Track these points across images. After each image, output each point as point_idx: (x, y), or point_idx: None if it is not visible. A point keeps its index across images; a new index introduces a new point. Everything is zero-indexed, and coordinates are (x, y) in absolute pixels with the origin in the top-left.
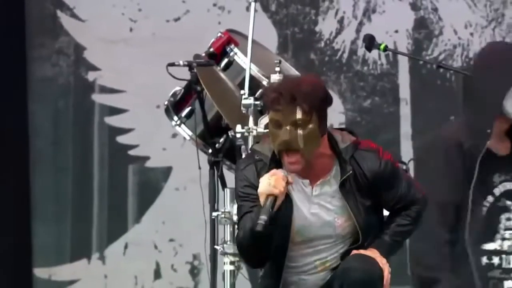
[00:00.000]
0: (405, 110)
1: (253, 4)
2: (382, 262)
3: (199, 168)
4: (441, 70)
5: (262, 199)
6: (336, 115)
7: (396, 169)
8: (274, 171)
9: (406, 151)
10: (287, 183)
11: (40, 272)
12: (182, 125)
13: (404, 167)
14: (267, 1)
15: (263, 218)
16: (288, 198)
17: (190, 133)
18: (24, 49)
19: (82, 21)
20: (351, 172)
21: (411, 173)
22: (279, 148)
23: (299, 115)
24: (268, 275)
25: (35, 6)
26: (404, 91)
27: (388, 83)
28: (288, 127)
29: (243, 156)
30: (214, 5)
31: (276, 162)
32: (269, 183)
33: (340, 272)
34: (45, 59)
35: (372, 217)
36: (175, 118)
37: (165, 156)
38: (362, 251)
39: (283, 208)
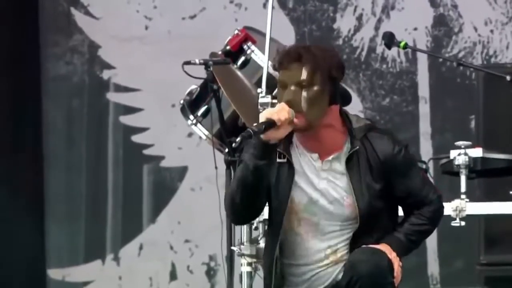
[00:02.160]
0: (425, 109)
1: (270, 1)
2: (392, 255)
3: (216, 167)
4: (461, 68)
5: (261, 121)
6: (354, 113)
7: (411, 158)
8: (281, 103)
9: (426, 150)
10: (291, 121)
11: (54, 273)
12: (198, 124)
13: (424, 166)
14: None
15: (252, 128)
16: (291, 167)
17: (207, 132)
18: (38, 47)
19: (97, 19)
20: (358, 147)
21: (431, 172)
22: None
23: (304, 75)
24: (268, 251)
25: (49, 3)
26: (424, 89)
27: (407, 81)
28: (292, 87)
29: None
30: (231, 2)
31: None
32: (273, 108)
33: (348, 266)
34: (59, 57)
35: (378, 203)
36: (191, 117)
37: (180, 156)
38: (372, 246)
39: (285, 175)
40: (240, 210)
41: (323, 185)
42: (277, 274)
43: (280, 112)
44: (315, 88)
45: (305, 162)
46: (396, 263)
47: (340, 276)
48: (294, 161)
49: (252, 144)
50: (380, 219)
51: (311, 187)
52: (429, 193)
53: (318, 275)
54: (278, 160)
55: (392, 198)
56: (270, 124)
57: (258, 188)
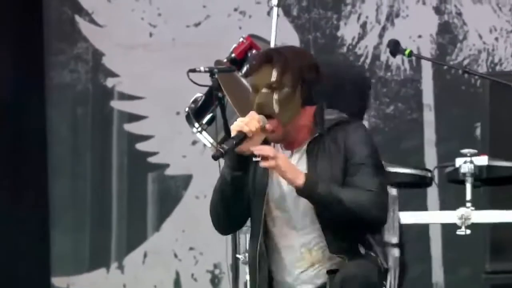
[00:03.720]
0: (429, 117)
1: (275, 9)
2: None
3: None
4: (466, 75)
5: (232, 135)
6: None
7: (368, 136)
8: (251, 112)
9: (430, 158)
10: (263, 129)
11: (58, 282)
12: (203, 132)
13: (429, 174)
14: (289, 6)
15: (224, 147)
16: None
17: (212, 140)
18: (42, 55)
19: (101, 27)
20: (316, 135)
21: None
22: (256, 112)
23: (274, 77)
24: (250, 249)
25: (53, 11)
26: (428, 97)
27: (412, 89)
28: (264, 90)
29: None
30: (235, 10)
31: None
32: (242, 120)
33: (338, 279)
34: (63, 65)
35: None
36: (196, 125)
37: (185, 164)
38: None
39: (260, 174)
40: (223, 220)
41: None
42: (262, 278)
43: (250, 123)
44: (286, 89)
45: None
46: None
47: (319, 282)
48: None
49: (228, 156)
50: None
51: (281, 182)
52: (372, 182)
53: (300, 279)
54: (254, 159)
55: None
56: (242, 137)
57: (238, 198)
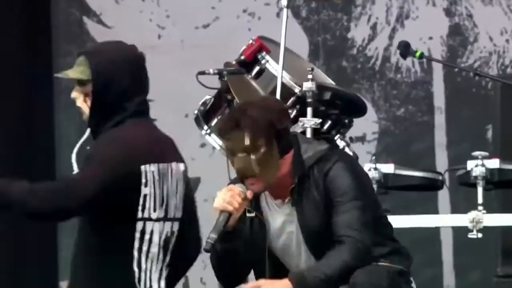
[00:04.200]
0: (440, 119)
1: (285, 10)
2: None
3: (230, 179)
4: (477, 77)
5: (216, 214)
6: (369, 124)
7: (344, 170)
8: (231, 186)
9: (441, 161)
10: (245, 199)
11: (66, 286)
12: (213, 135)
13: (440, 177)
14: (298, 7)
15: (212, 236)
16: (261, 221)
17: (221, 142)
18: (50, 57)
19: (109, 28)
20: (293, 185)
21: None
22: (238, 176)
23: (246, 141)
24: None
25: (62, 12)
26: (439, 99)
27: (422, 91)
28: (239, 154)
29: None
30: (244, 11)
31: None
32: (224, 198)
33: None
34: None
35: (325, 231)
36: (205, 127)
37: (193, 167)
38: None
39: (257, 229)
40: (228, 281)
41: (291, 228)
42: None
43: (232, 201)
44: (262, 150)
45: (273, 209)
46: None
47: None
48: (264, 211)
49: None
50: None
51: (281, 232)
52: (347, 230)
53: None
54: (248, 214)
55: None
56: (227, 218)
57: (234, 261)
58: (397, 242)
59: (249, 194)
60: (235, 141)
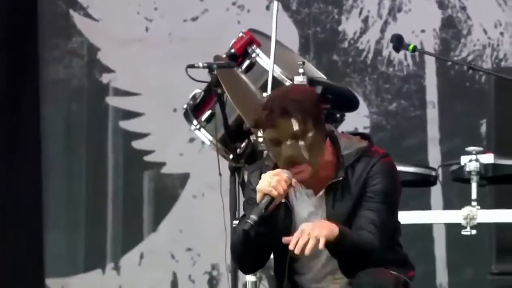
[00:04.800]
0: (433, 114)
1: (275, 3)
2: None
3: (220, 174)
4: (470, 71)
5: (258, 197)
6: (360, 118)
7: (388, 171)
8: (278, 170)
9: (434, 156)
10: (289, 186)
11: (52, 283)
12: (202, 129)
13: (433, 173)
14: (288, 0)
15: (253, 217)
16: (288, 209)
17: (210, 137)
18: (36, 50)
19: (96, 21)
20: (340, 178)
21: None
22: (285, 164)
23: (295, 126)
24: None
25: (48, 5)
26: (432, 94)
27: (415, 85)
28: (288, 142)
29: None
30: (234, 3)
31: None
32: (270, 182)
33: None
34: (58, 60)
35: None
36: (195, 122)
37: (182, 162)
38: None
39: (282, 217)
40: (248, 265)
41: (317, 220)
42: None
43: (277, 184)
44: (310, 134)
45: (301, 199)
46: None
47: None
48: (291, 199)
49: (250, 211)
50: None
51: (306, 222)
52: (369, 226)
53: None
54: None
55: None
56: (269, 202)
57: (262, 245)
58: (402, 248)
59: (294, 183)
60: (284, 128)
